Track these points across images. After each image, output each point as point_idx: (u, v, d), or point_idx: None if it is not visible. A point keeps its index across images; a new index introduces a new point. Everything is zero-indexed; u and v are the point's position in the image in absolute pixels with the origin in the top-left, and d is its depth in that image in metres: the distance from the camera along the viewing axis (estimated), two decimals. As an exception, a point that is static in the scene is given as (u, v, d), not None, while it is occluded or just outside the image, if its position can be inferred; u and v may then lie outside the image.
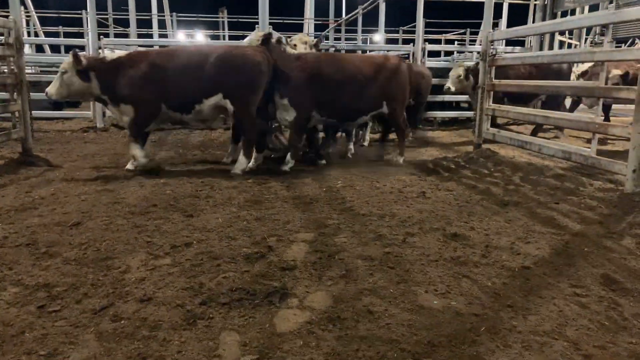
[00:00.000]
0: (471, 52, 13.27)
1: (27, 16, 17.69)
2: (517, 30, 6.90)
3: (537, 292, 2.76)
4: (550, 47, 11.08)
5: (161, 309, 2.47)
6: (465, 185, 5.36)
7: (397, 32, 20.41)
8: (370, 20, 17.56)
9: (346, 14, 20.47)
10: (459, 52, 14.40)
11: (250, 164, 5.91)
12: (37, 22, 18.12)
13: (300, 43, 6.93)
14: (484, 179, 5.66)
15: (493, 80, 7.04)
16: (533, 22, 13.93)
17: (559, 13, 11.51)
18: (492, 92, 7.14)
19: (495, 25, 13.96)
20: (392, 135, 7.56)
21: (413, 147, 7.99)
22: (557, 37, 11.69)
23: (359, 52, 16.28)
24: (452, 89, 8.74)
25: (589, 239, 3.65)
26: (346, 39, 19.46)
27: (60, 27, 20.00)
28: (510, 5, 15.88)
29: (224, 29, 23.27)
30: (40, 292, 2.61)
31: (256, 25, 8.14)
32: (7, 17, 6.78)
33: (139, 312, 2.43)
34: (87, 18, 13.55)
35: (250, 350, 2.16)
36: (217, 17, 23.26)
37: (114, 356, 2.10)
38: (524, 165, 6.24)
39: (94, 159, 6.60)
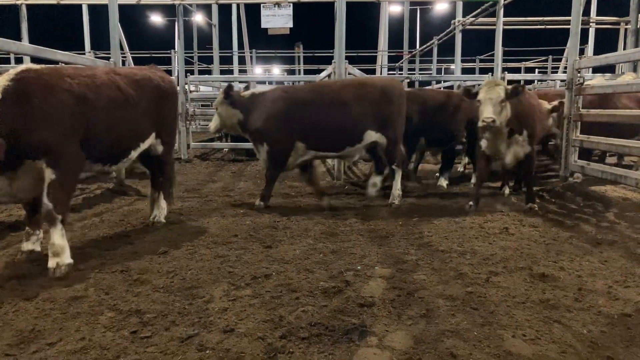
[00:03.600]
0: (554, 80, 12.72)
1: (123, 56, 19.41)
2: (608, 58, 6.49)
3: (641, 344, 2.52)
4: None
5: (243, 340, 2.52)
6: (552, 221, 5.06)
7: (474, 61, 20.05)
8: (446, 50, 17.41)
9: (420, 45, 20.48)
10: (540, 80, 13.85)
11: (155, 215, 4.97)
12: (132, 62, 19.83)
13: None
14: (573, 215, 5.31)
15: (580, 110, 6.68)
16: (624, 47, 13.13)
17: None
18: (579, 123, 6.76)
19: (581, 51, 13.32)
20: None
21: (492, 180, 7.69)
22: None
23: (434, 83, 16.17)
24: (497, 121, 5.12)
25: (700, 285, 3.28)
26: (420, 70, 19.39)
27: (153, 64, 21.72)
28: (597, 30, 15.10)
29: (299, 64, 24.15)
30: (132, 318, 2.77)
31: (332, 61, 8.34)
32: (108, 59, 7.49)
33: (222, 342, 2.50)
34: (176, 57, 14.62)
35: (330, 389, 2.14)
36: (293, 53, 24.21)
37: (199, 386, 2.16)
38: (619, 201, 5.80)
39: (179, 189, 6.98)
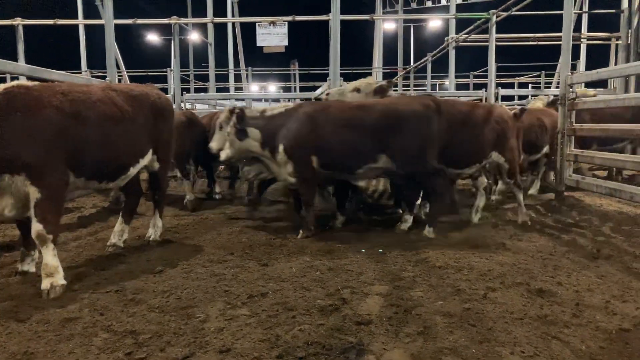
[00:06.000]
0: (547, 95, 12.81)
1: (119, 75, 19.50)
2: (600, 73, 6.58)
3: (639, 359, 2.50)
4: (638, 89, 10.46)
5: (239, 360, 2.49)
6: (549, 235, 5.06)
7: (468, 77, 20.24)
8: (440, 66, 17.55)
9: (415, 62, 20.68)
10: (533, 95, 13.96)
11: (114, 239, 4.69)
12: (128, 81, 19.91)
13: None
14: (569, 229, 5.32)
15: (574, 124, 6.74)
16: (615, 62, 13.31)
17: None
18: (573, 137, 6.82)
19: (573, 67, 13.48)
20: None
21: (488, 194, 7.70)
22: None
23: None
24: (214, 147, 5.58)
25: (697, 299, 3.28)
26: (415, 86, 19.54)
27: (150, 83, 21.81)
28: (589, 46, 15.30)
29: (295, 81, 24.32)
30: (127, 339, 2.73)
31: (327, 78, 8.42)
32: (104, 78, 7.52)
33: (218, 363, 2.47)
34: (172, 75, 14.70)
35: (327, 410, 2.11)
36: (289, 70, 24.38)
37: (195, 408, 2.12)
38: (615, 215, 5.82)
39: (175, 207, 6.96)
